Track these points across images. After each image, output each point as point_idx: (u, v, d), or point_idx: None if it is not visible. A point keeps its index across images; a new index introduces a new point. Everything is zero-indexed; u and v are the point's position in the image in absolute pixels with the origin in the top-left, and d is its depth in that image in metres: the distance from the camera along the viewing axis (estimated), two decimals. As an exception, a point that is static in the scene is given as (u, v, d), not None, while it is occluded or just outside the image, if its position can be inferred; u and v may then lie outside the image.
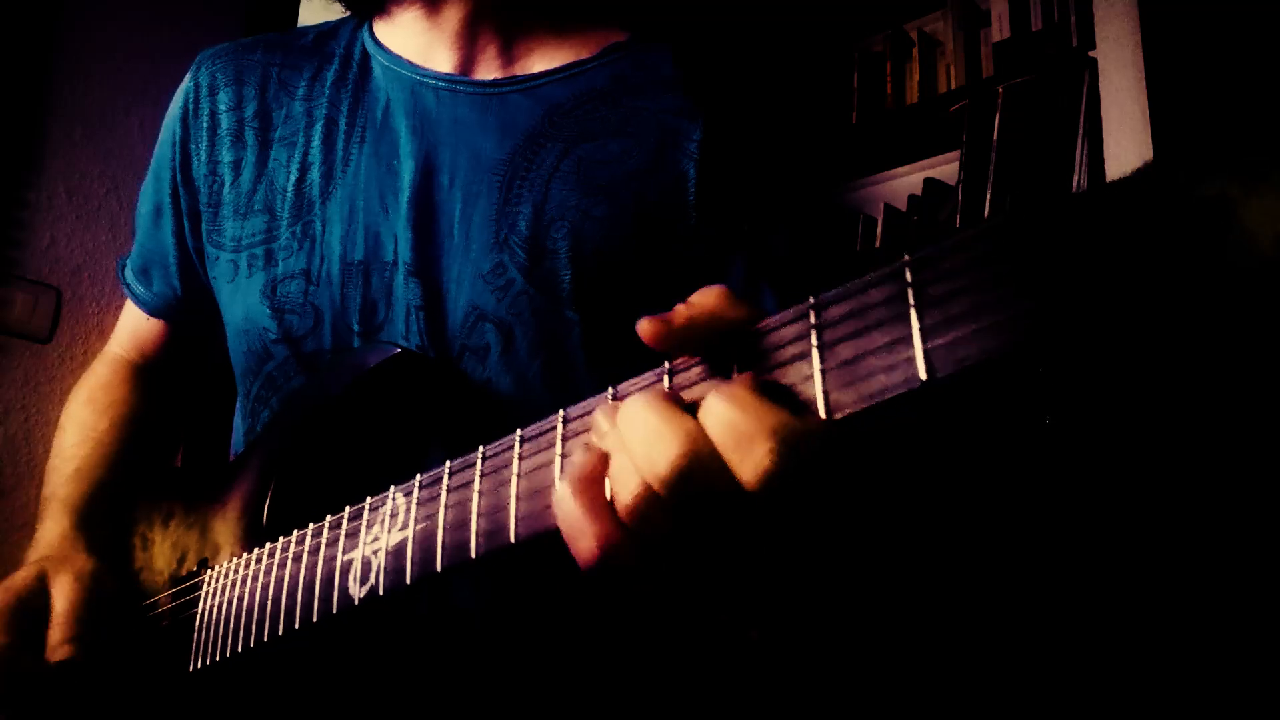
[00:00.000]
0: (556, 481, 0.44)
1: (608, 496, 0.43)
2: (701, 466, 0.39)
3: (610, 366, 0.48)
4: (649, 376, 0.45)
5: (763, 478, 0.38)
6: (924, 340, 0.35)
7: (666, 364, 0.45)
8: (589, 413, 0.48)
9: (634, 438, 0.41)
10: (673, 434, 0.39)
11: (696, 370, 0.43)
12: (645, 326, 0.43)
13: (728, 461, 0.39)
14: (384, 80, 0.85)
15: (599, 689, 0.73)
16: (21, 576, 0.76)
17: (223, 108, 0.88)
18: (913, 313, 0.36)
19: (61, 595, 0.74)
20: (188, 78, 0.92)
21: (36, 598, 0.75)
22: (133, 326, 0.99)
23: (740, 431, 0.38)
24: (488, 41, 0.84)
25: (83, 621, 0.74)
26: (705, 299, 0.44)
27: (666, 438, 0.39)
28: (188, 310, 0.94)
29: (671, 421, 0.40)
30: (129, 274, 0.97)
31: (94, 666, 0.73)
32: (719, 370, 0.42)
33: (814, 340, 0.39)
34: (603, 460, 0.43)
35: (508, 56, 0.84)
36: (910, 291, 0.36)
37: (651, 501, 0.40)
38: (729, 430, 0.39)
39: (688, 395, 0.43)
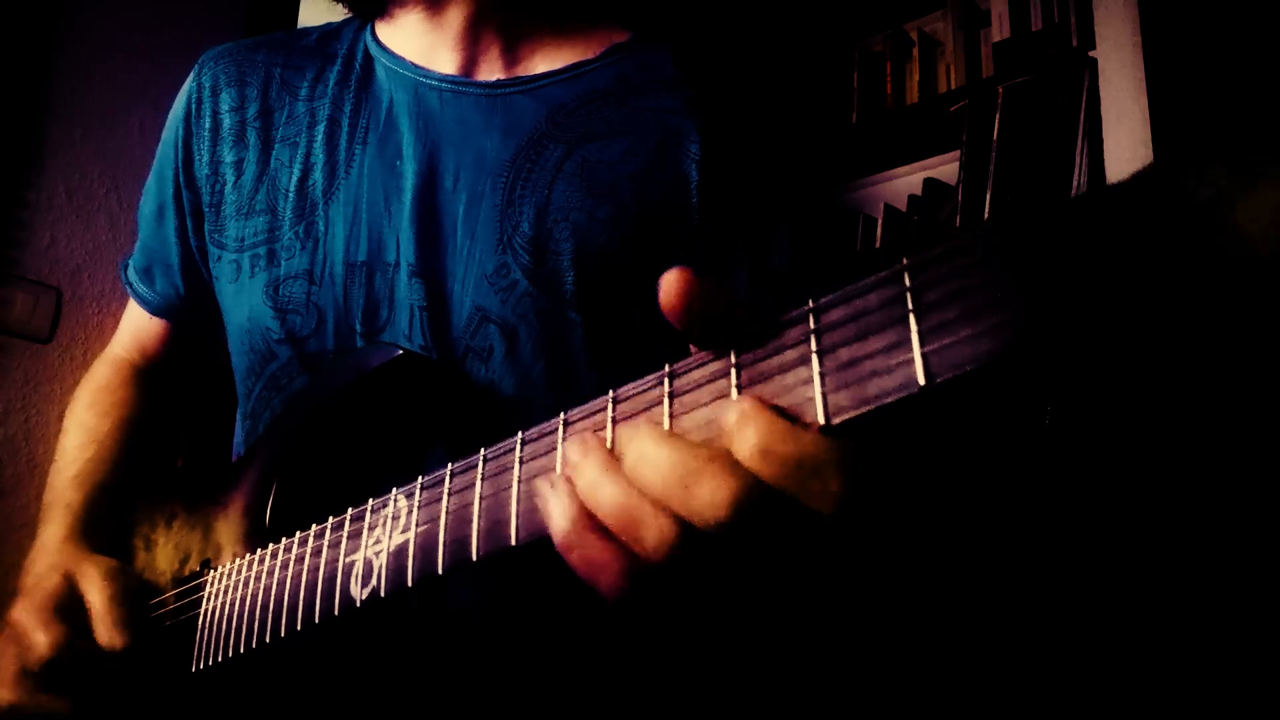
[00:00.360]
0: (553, 521, 0.44)
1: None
2: (767, 502, 0.39)
3: (612, 367, 0.48)
4: (650, 380, 0.46)
5: (838, 506, 0.38)
6: (922, 344, 0.35)
7: (667, 366, 0.45)
8: (591, 414, 0.48)
9: (664, 479, 0.41)
10: (718, 473, 0.39)
11: (698, 373, 0.44)
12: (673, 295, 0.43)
13: (796, 495, 0.39)
14: (387, 81, 0.85)
15: (598, 689, 0.73)
16: (48, 581, 0.77)
17: (225, 108, 0.89)
18: (911, 317, 0.36)
19: (95, 590, 0.76)
20: (191, 78, 0.92)
21: (70, 597, 0.76)
22: (135, 326, 0.99)
23: (806, 466, 0.38)
24: (490, 43, 0.84)
25: (124, 611, 0.75)
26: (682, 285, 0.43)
27: (712, 477, 0.39)
28: (190, 310, 0.95)
29: (704, 459, 0.40)
30: (131, 274, 0.97)
31: (140, 653, 0.74)
32: (720, 373, 0.43)
33: (813, 344, 0.39)
34: (580, 498, 0.43)
35: (510, 57, 0.84)
36: (909, 296, 0.36)
37: (691, 539, 0.40)
38: (792, 466, 0.39)
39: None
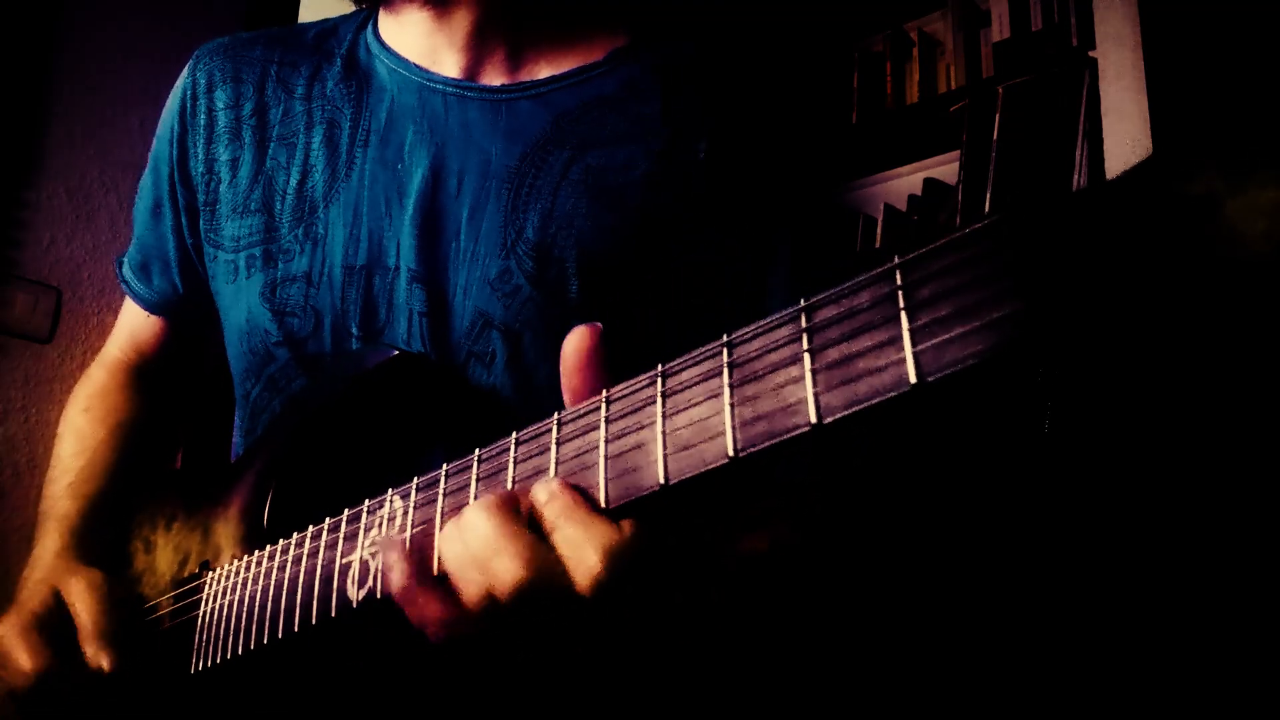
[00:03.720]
0: (393, 579, 0.53)
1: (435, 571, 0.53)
2: (547, 583, 0.48)
3: (615, 372, 0.50)
4: (643, 379, 0.46)
5: (595, 585, 0.47)
6: (914, 343, 0.35)
7: (660, 366, 0.45)
8: (584, 414, 0.48)
9: (476, 549, 0.49)
10: (514, 553, 0.48)
11: (690, 373, 0.44)
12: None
13: (567, 570, 0.48)
14: (389, 82, 0.85)
15: (597, 689, 0.73)
16: (35, 597, 0.77)
17: (220, 105, 0.88)
18: (903, 315, 0.36)
19: (83, 607, 0.76)
20: (185, 73, 0.91)
21: (57, 614, 0.76)
22: (131, 325, 0.98)
23: (575, 544, 0.47)
24: (495, 46, 0.83)
25: (111, 627, 0.75)
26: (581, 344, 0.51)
27: (508, 556, 0.48)
28: (188, 307, 0.94)
29: (507, 537, 0.48)
30: (128, 271, 0.96)
31: (126, 669, 0.74)
32: (712, 373, 0.43)
33: (805, 343, 0.39)
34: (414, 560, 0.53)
35: (514, 62, 0.84)
36: (900, 294, 0.36)
37: (494, 600, 0.49)
38: (568, 545, 0.48)
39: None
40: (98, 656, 0.73)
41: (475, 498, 0.53)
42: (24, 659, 0.72)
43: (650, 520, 0.48)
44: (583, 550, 0.47)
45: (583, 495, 0.48)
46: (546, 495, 0.49)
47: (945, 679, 1.36)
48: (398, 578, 0.52)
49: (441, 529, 0.54)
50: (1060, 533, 1.32)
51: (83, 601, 0.76)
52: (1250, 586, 1.17)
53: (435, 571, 0.53)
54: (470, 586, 0.50)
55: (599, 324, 0.52)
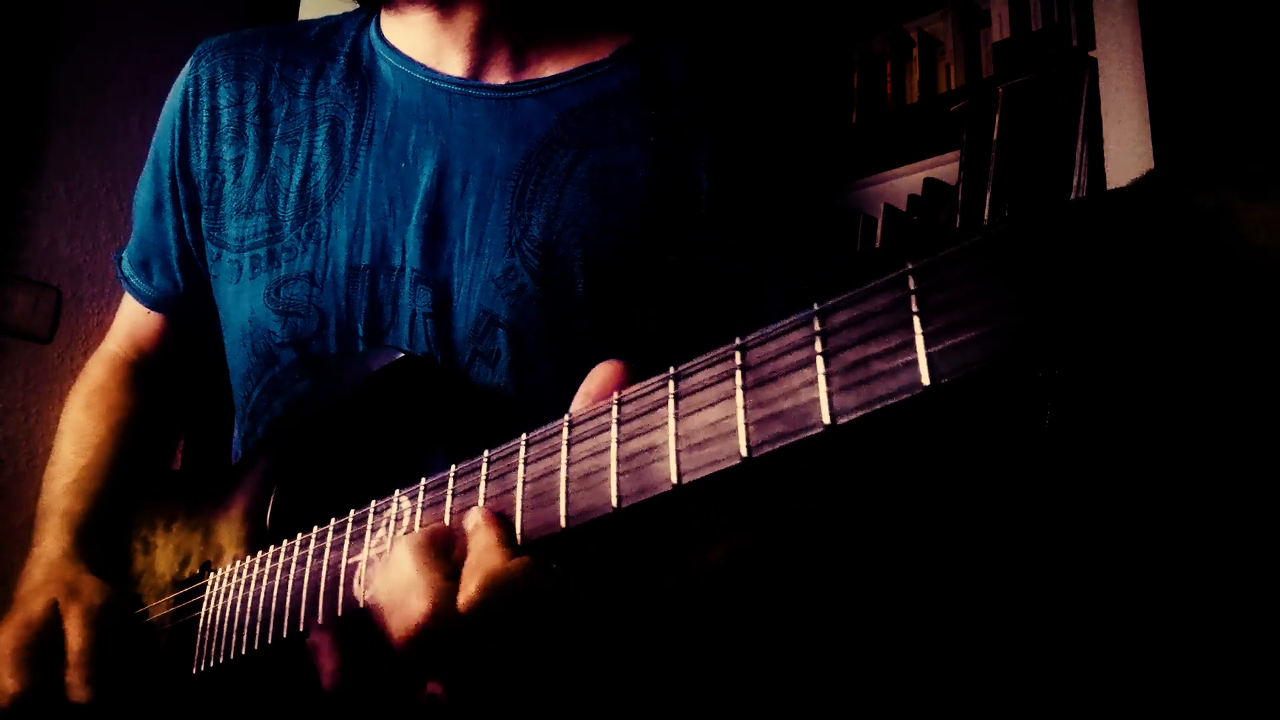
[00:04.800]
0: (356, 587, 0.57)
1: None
2: (447, 625, 0.50)
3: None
4: (655, 382, 0.46)
5: (472, 608, 0.49)
6: (927, 346, 0.36)
7: (672, 368, 0.45)
8: (595, 416, 0.48)
9: (392, 585, 0.52)
10: (422, 592, 0.50)
11: (703, 375, 0.44)
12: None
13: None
14: (393, 81, 0.84)
15: (596, 689, 0.73)
16: (35, 609, 0.77)
17: (223, 103, 0.88)
18: (916, 320, 0.36)
19: (76, 633, 0.75)
20: (187, 69, 0.91)
21: (52, 632, 0.76)
22: (130, 322, 0.98)
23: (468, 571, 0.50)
24: (500, 46, 0.83)
25: (97, 660, 0.75)
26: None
27: (417, 596, 0.50)
28: (188, 303, 0.93)
29: (419, 572, 0.51)
30: (127, 267, 0.96)
31: (108, 701, 0.75)
32: (725, 375, 0.43)
33: (818, 346, 0.39)
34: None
35: (518, 61, 0.84)
36: (913, 299, 0.36)
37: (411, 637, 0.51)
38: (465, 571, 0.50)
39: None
40: (78, 690, 0.73)
41: (484, 499, 0.53)
42: (7, 682, 0.73)
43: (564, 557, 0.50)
44: (469, 578, 0.49)
45: (501, 525, 0.51)
46: (471, 525, 0.51)
47: (946, 680, 1.36)
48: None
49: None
50: (1067, 539, 1.33)
51: (75, 627, 0.76)
52: (1257, 591, 1.17)
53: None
54: (393, 618, 0.51)
55: (633, 365, 0.52)
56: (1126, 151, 1.62)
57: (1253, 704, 1.16)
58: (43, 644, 0.75)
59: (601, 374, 0.52)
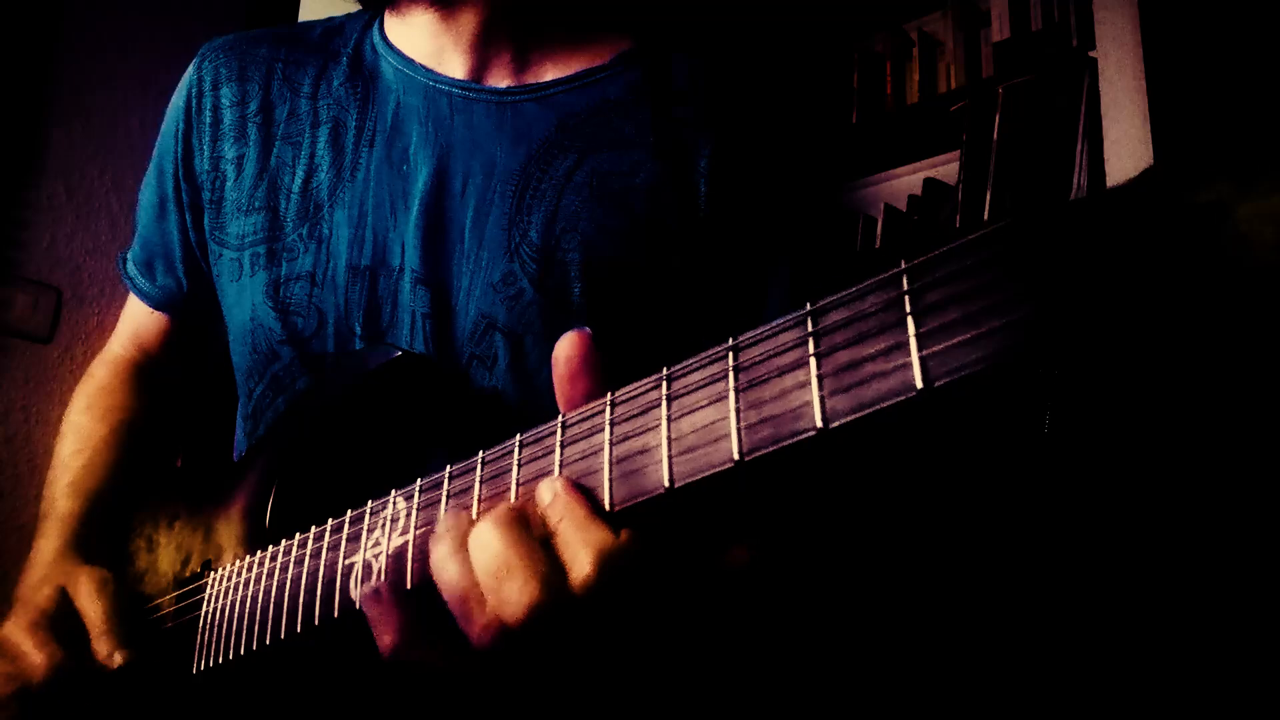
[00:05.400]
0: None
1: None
2: (559, 607, 0.45)
3: (617, 377, 0.49)
4: (647, 383, 0.46)
5: (586, 591, 0.44)
6: (920, 347, 0.35)
7: (665, 369, 0.45)
8: (588, 417, 0.48)
9: (486, 569, 0.46)
10: (525, 572, 0.45)
11: (696, 376, 0.44)
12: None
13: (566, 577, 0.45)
14: (395, 83, 0.85)
15: (596, 689, 0.73)
16: (40, 595, 0.77)
17: (226, 103, 0.88)
18: (909, 320, 0.36)
19: (91, 605, 0.75)
20: (191, 69, 0.91)
21: (64, 612, 0.76)
22: (134, 321, 0.98)
23: (572, 548, 0.45)
24: (502, 48, 0.83)
25: (122, 624, 0.75)
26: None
27: (519, 577, 0.45)
28: (192, 303, 0.94)
29: (522, 554, 0.46)
30: (131, 267, 0.96)
31: (136, 666, 0.75)
32: (718, 376, 0.43)
33: (811, 347, 0.39)
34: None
35: (520, 64, 0.84)
36: (907, 299, 0.36)
37: (507, 629, 0.46)
38: (566, 549, 0.45)
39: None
40: (110, 653, 0.73)
41: (479, 499, 0.53)
42: (36, 655, 0.72)
43: (650, 529, 0.45)
44: (578, 555, 0.44)
45: (586, 496, 0.46)
46: (550, 495, 0.46)
47: (949, 683, 1.36)
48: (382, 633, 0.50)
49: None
50: (1067, 539, 1.33)
51: (90, 600, 0.76)
52: (1256, 591, 1.17)
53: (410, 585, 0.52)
54: (477, 616, 0.47)
55: (588, 329, 0.50)
56: (1126, 151, 1.61)
57: (1253, 704, 1.15)
58: (60, 622, 0.75)
59: (563, 353, 0.50)
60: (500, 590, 0.45)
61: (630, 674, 0.51)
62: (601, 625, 0.45)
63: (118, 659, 0.73)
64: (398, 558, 0.56)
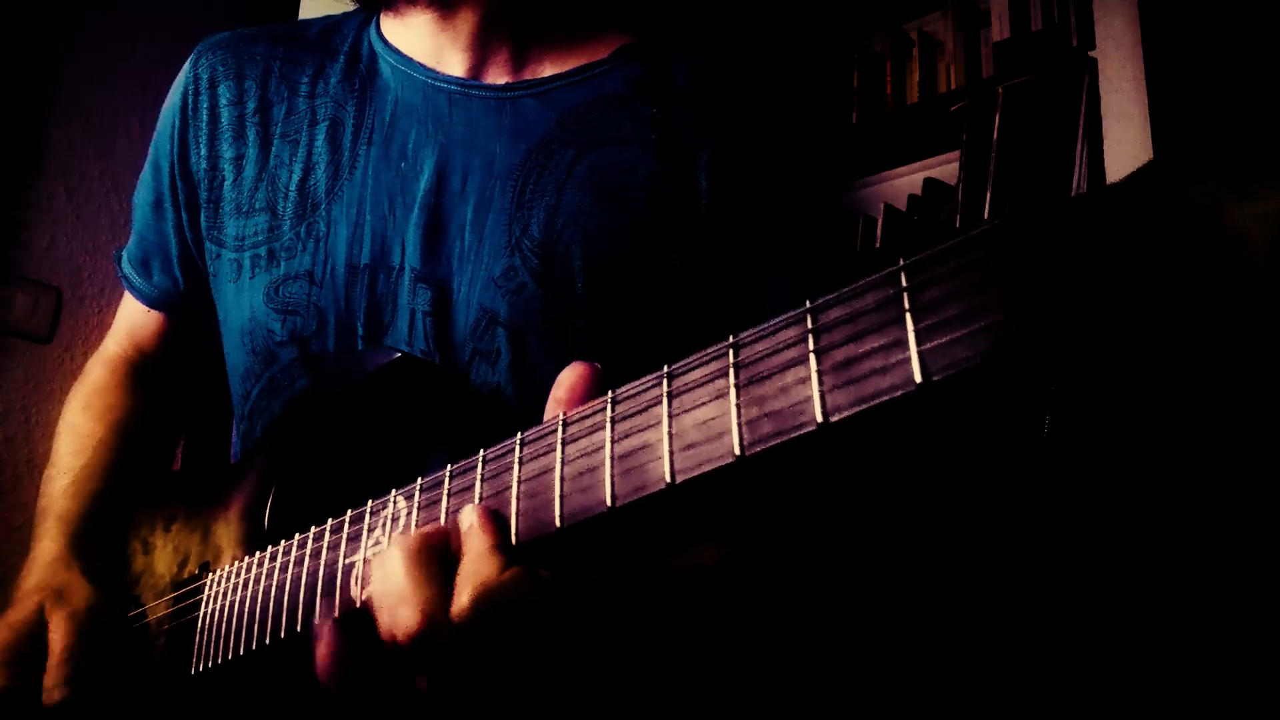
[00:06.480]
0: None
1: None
2: (443, 637, 0.50)
3: (618, 371, 0.50)
4: (649, 380, 0.46)
5: (464, 618, 0.49)
6: (919, 342, 0.35)
7: (666, 367, 0.45)
8: (589, 415, 0.48)
9: (385, 591, 0.52)
10: (410, 600, 0.50)
11: (696, 374, 0.44)
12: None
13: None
14: (393, 81, 0.84)
15: (596, 689, 0.73)
16: (22, 612, 0.77)
17: (223, 102, 0.87)
18: (908, 316, 0.36)
19: (59, 634, 0.76)
20: (187, 67, 0.91)
21: (36, 634, 0.76)
22: (130, 321, 0.98)
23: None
24: (500, 46, 0.83)
25: (78, 662, 0.75)
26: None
27: (405, 605, 0.50)
28: (188, 302, 0.93)
29: (415, 581, 0.51)
30: (127, 266, 0.96)
31: (87, 704, 0.75)
32: (718, 374, 0.43)
33: (810, 344, 0.39)
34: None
35: (519, 61, 0.84)
36: (905, 295, 0.36)
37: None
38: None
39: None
40: (53, 691, 0.74)
41: (480, 498, 0.53)
42: None
43: (560, 559, 0.50)
44: (464, 589, 0.50)
45: (498, 528, 0.50)
46: (467, 524, 0.51)
47: (946, 683, 1.36)
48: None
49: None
50: (1060, 538, 1.33)
51: (59, 632, 0.76)
52: (1254, 590, 1.17)
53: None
54: (385, 621, 0.52)
55: (598, 365, 0.53)
56: (1126, 151, 1.62)
57: (1253, 704, 1.15)
58: (25, 645, 0.75)
59: (569, 378, 0.53)
60: (395, 613, 0.51)
61: (538, 692, 0.55)
62: (485, 652, 0.50)
63: (55, 696, 0.74)
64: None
